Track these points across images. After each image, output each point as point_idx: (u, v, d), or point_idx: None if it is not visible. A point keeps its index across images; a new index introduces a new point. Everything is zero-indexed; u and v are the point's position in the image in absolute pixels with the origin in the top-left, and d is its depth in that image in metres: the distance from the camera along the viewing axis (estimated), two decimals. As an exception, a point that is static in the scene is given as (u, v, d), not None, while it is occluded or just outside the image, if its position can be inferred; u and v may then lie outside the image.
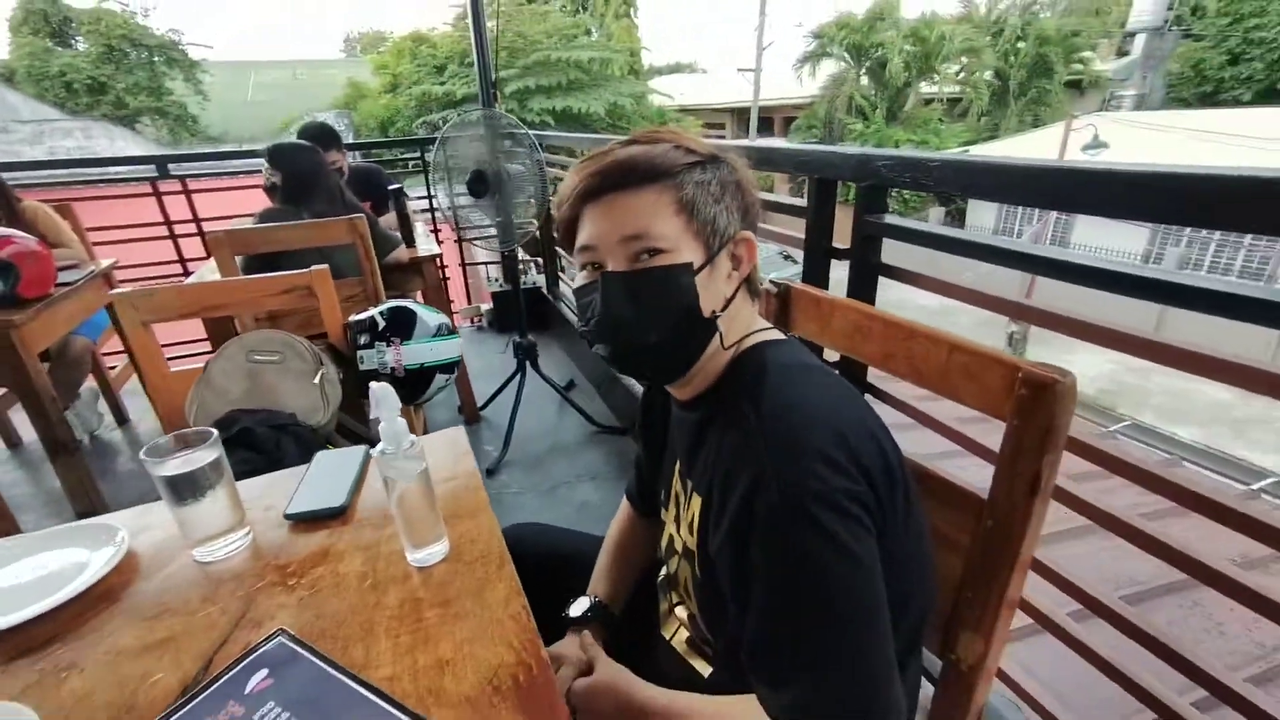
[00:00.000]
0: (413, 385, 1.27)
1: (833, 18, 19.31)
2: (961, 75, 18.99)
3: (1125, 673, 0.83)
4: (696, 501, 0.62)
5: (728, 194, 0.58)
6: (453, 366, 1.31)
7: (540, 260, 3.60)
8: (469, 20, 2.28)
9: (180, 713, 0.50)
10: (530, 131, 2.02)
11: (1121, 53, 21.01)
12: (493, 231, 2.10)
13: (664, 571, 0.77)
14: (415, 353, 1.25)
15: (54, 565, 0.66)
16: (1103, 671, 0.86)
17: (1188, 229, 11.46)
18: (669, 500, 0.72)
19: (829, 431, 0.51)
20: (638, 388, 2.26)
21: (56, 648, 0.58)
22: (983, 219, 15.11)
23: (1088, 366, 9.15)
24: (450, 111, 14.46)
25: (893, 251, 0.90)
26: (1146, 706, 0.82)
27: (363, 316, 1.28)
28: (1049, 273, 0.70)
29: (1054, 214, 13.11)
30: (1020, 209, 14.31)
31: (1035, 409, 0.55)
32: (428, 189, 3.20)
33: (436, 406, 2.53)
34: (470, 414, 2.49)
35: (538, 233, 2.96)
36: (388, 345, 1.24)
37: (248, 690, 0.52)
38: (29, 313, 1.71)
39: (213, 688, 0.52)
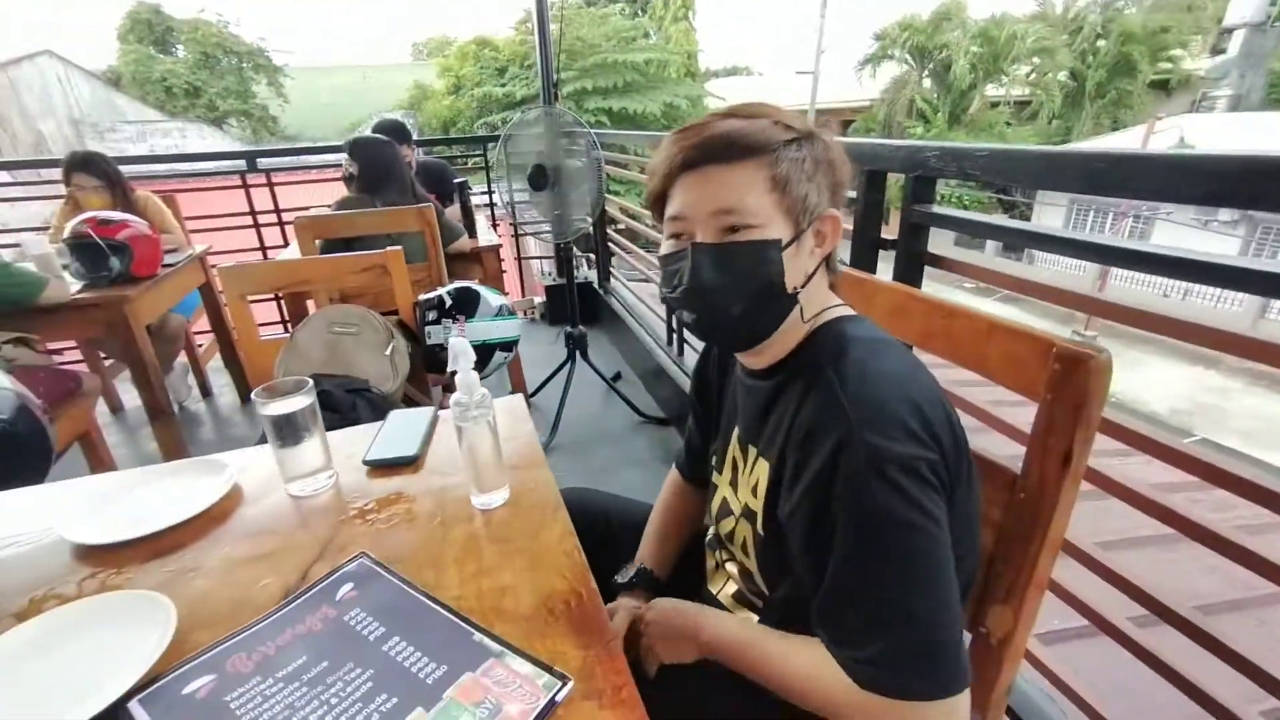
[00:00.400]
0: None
1: (896, 19, 18.80)
2: (1033, 76, 18.12)
3: (1188, 678, 0.82)
4: (763, 466, 0.65)
5: (819, 172, 0.59)
6: (511, 345, 1.40)
7: (592, 255, 3.70)
8: (532, 23, 2.39)
9: (287, 609, 0.58)
10: (590, 130, 2.10)
11: (1217, 50, 19.51)
12: (548, 225, 2.20)
13: (712, 531, 0.81)
14: (478, 330, 1.35)
15: (177, 490, 0.77)
16: (1162, 675, 0.84)
17: (1285, 240, 10.60)
18: (723, 465, 0.75)
19: (908, 402, 0.54)
20: (683, 380, 2.31)
21: (183, 554, 0.68)
22: (1050, 225, 14.39)
23: (1160, 384, 8.60)
24: (510, 112, 14.87)
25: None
26: (1209, 713, 0.80)
27: (431, 295, 1.39)
28: (1097, 258, 0.72)
29: (1128, 221, 12.36)
30: (1091, 216, 13.57)
31: (1068, 384, 0.57)
32: (488, 185, 3.34)
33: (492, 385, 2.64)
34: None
35: (591, 229, 3.06)
36: (453, 322, 1.34)
37: (338, 597, 0.60)
38: (139, 289, 1.90)
39: (310, 592, 0.61)
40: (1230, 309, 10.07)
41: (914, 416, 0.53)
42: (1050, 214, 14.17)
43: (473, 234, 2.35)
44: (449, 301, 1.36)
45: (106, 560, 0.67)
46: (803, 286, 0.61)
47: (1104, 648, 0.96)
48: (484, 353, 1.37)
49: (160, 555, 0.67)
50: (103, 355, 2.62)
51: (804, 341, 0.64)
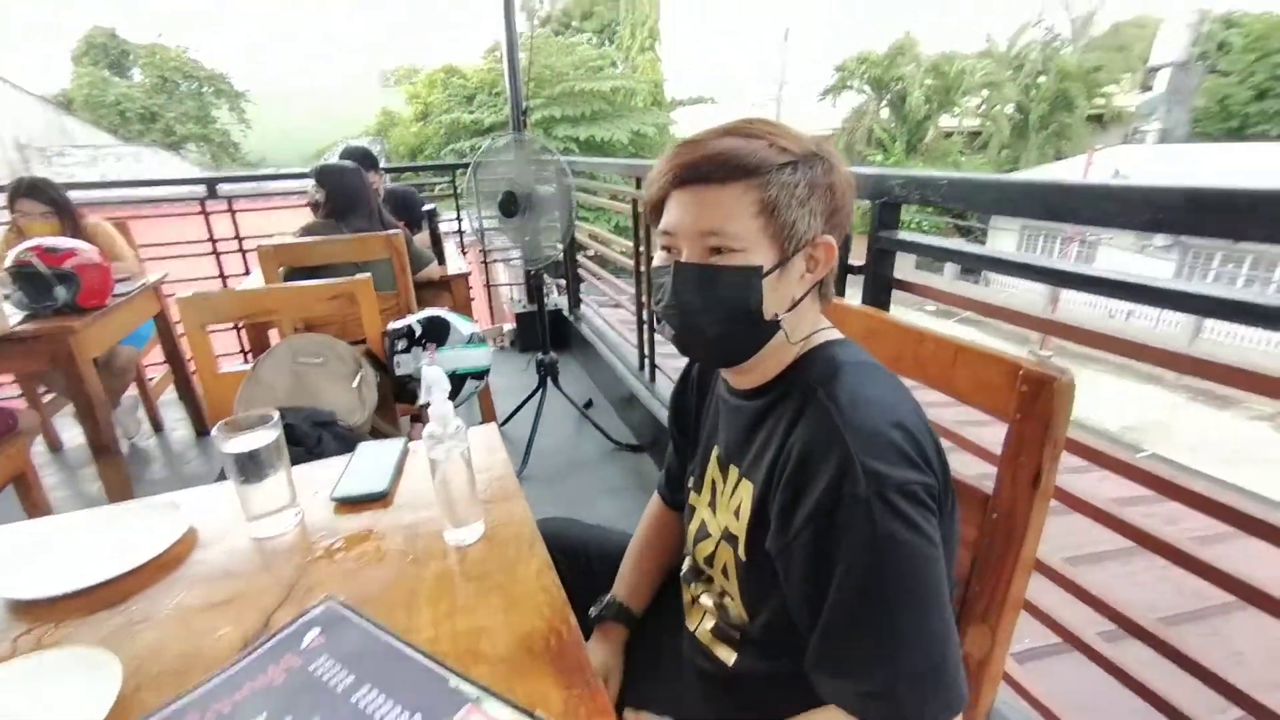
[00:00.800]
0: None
1: (855, 52, 19.74)
2: (982, 108, 19.16)
3: (1157, 692, 0.83)
4: (746, 487, 0.64)
5: (815, 196, 0.58)
6: (482, 374, 1.38)
7: (562, 282, 3.69)
8: (502, 52, 2.41)
9: (246, 661, 0.55)
10: (560, 157, 2.12)
11: (1145, 87, 21.04)
12: (519, 252, 2.19)
13: (688, 563, 0.79)
14: (449, 359, 1.32)
15: (127, 534, 0.73)
16: (1132, 689, 0.86)
17: (1215, 261, 11.31)
18: (701, 485, 0.74)
19: (901, 427, 0.54)
20: (655, 407, 2.31)
21: (131, 604, 0.63)
22: (1007, 250, 15.08)
23: (1110, 402, 8.97)
24: (479, 139, 14.94)
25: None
26: None
27: (400, 324, 1.36)
28: (1052, 281, 0.75)
29: (1075, 247, 13.00)
30: (1041, 243, 14.27)
31: (1035, 405, 0.59)
32: (457, 212, 3.33)
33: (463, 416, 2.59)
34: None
35: (561, 255, 3.06)
36: (423, 350, 1.31)
37: (303, 645, 0.57)
38: (86, 320, 1.82)
39: (272, 641, 0.57)
40: (1168, 329, 10.64)
41: (908, 441, 0.54)
42: (1004, 238, 14.83)
43: (441, 261, 2.33)
44: (419, 330, 1.33)
45: (44, 615, 0.62)
46: (787, 312, 0.61)
47: (1076, 664, 0.97)
48: (455, 382, 1.34)
49: (106, 607, 0.63)
50: (43, 390, 2.48)
51: (793, 364, 0.64)
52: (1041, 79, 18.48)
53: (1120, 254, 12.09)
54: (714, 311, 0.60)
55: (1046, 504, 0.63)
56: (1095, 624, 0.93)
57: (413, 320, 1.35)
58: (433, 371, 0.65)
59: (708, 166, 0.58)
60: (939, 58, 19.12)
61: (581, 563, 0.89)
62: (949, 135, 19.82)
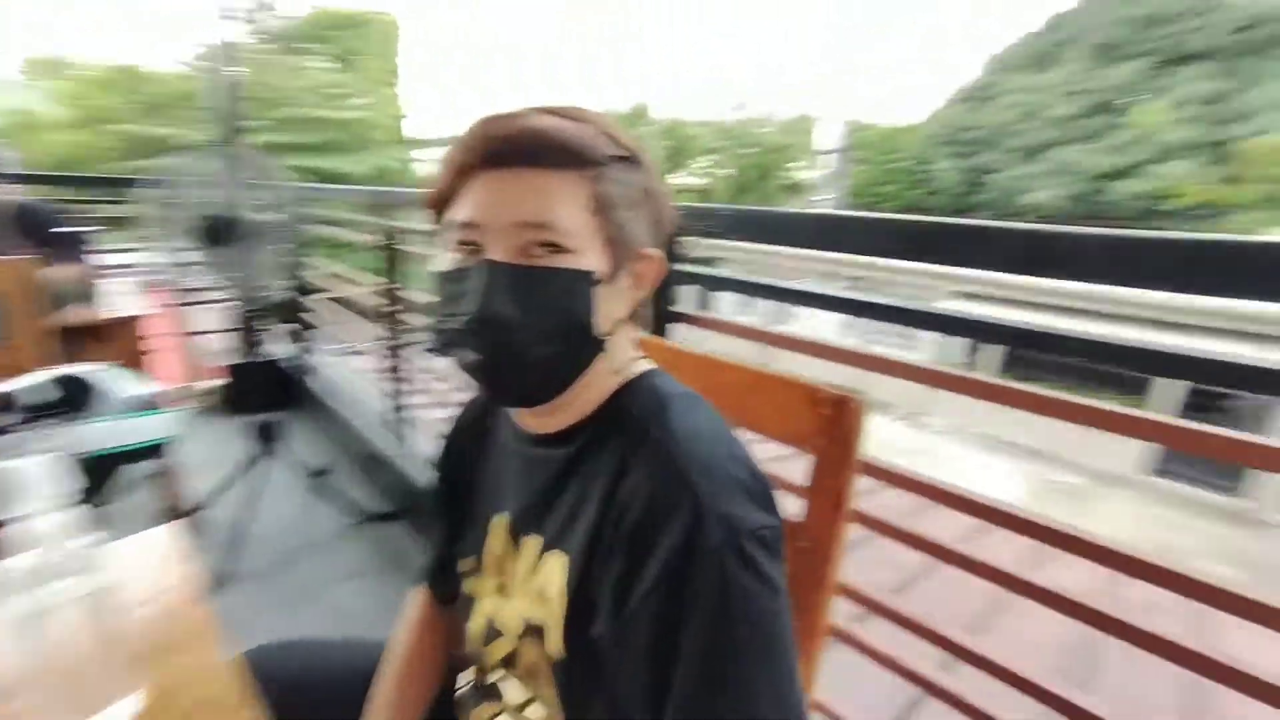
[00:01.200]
0: (88, 479, 0.88)
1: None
2: (708, 169, 22.87)
3: (891, 657, 0.90)
4: (557, 561, 0.51)
5: (646, 202, 0.51)
6: (154, 452, 0.98)
7: (290, 328, 3.10)
8: (212, 58, 1.98)
9: None
10: (286, 182, 1.76)
11: (815, 168, 27.77)
12: (229, 291, 1.74)
13: (470, 675, 0.62)
14: (93, 435, 0.89)
15: None
16: (880, 662, 0.93)
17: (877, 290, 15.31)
18: (482, 567, 0.58)
19: (744, 466, 0.48)
20: (410, 466, 2.02)
21: None
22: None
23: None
24: (168, 155, 12.38)
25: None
26: (914, 684, 0.89)
27: (3, 389, 0.89)
28: (810, 304, 0.80)
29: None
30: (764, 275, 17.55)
31: (837, 428, 0.58)
32: (130, 241, 2.61)
33: (126, 512, 1.91)
34: (178, 517, 1.91)
35: (287, 296, 2.57)
36: (48, 426, 0.87)
37: None
38: None
39: None
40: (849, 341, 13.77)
41: (753, 480, 0.47)
42: (728, 269, 17.76)
43: (97, 301, 1.75)
44: (37, 398, 0.87)
45: None
46: (611, 332, 0.50)
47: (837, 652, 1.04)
48: (104, 467, 0.91)
49: None
50: None
51: (613, 397, 0.53)
52: (748, 150, 22.85)
53: (814, 283, 15.41)
54: (537, 325, 0.47)
55: (849, 525, 0.63)
56: (845, 612, 1.00)
57: (17, 385, 0.88)
58: (13, 469, 0.38)
59: (534, 145, 0.46)
60: (671, 123, 22.31)
61: (315, 705, 0.64)
62: (681, 191, 23.08)
